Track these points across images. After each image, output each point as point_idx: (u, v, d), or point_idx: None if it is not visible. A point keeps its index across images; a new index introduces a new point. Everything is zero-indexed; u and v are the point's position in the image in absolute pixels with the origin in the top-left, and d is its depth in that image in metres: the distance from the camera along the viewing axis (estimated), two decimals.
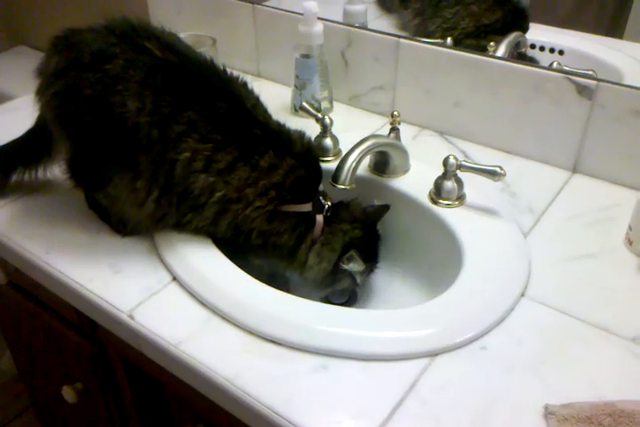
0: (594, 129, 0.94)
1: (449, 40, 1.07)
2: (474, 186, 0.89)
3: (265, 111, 0.82)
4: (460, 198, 0.88)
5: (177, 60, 0.77)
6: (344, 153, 0.84)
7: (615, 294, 0.76)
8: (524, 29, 1.04)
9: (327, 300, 0.94)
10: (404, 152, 0.93)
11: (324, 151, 0.99)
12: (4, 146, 0.93)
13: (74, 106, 0.75)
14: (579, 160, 0.98)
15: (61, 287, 0.81)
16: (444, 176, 0.87)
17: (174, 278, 0.79)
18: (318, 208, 0.83)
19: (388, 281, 0.95)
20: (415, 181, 0.93)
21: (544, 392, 0.64)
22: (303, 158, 0.81)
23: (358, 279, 0.85)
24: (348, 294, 0.94)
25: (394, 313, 0.74)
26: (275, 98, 1.10)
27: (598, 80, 0.90)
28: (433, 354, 0.68)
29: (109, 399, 1.03)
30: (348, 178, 0.82)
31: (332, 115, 1.02)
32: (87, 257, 0.83)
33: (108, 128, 0.74)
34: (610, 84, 0.90)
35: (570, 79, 0.92)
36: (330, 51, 1.12)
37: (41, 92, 0.79)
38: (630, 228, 0.82)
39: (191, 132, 0.75)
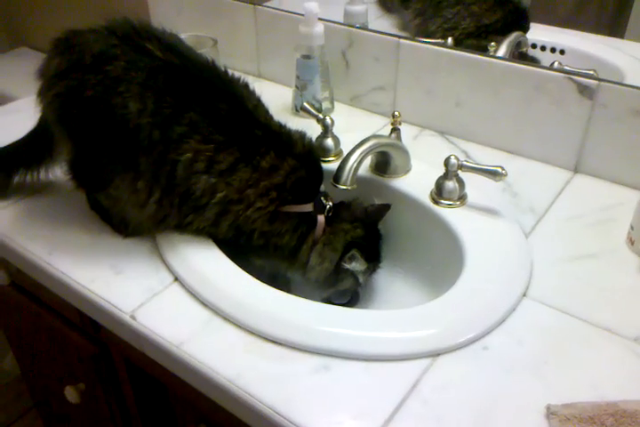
0: (595, 129, 0.94)
1: (450, 40, 1.07)
2: (475, 186, 0.89)
3: (266, 112, 0.82)
4: (462, 198, 0.88)
5: (178, 61, 0.77)
6: (345, 153, 0.84)
7: (617, 294, 0.76)
8: (525, 29, 1.04)
9: (329, 300, 0.94)
10: (405, 152, 0.93)
11: (326, 152, 0.99)
12: (5, 147, 0.93)
13: (75, 107, 0.76)
14: (580, 160, 0.98)
15: (63, 288, 0.82)
16: (446, 176, 0.87)
17: (176, 279, 0.79)
18: (319, 208, 0.83)
19: (389, 281, 0.95)
20: (416, 182, 0.93)
21: (546, 392, 0.64)
22: (304, 159, 0.81)
23: (361, 279, 0.85)
24: (349, 295, 0.95)
25: (395, 313, 0.74)
26: (276, 98, 1.10)
27: (599, 80, 0.90)
28: (435, 354, 0.68)
29: (112, 400, 1.03)
30: (350, 178, 0.82)
31: (333, 115, 1.02)
32: (89, 258, 0.83)
33: (110, 129, 0.75)
34: (611, 84, 0.90)
35: (571, 79, 0.92)
36: (331, 51, 1.12)
37: (42, 94, 0.80)
38: (632, 227, 0.82)
39: (193, 133, 0.75)
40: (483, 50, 1.03)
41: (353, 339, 0.69)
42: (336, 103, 1.18)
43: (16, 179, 0.94)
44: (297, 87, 1.13)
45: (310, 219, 0.82)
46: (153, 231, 0.84)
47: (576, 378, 0.66)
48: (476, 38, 1.06)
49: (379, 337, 0.70)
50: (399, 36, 1.07)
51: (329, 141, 0.99)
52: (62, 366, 1.11)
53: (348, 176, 0.82)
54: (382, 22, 1.18)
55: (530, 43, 1.03)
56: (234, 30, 1.28)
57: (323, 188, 0.85)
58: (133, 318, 0.74)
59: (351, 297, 0.94)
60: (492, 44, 1.03)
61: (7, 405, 1.77)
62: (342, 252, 0.83)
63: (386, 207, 0.88)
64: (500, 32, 1.04)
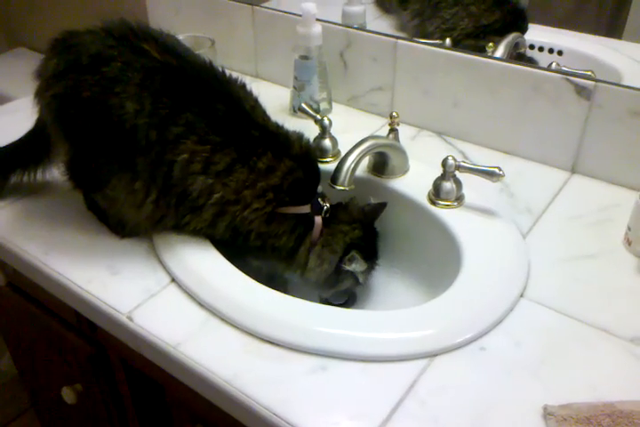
0: (592, 129, 0.94)
1: (448, 41, 1.07)
2: (473, 186, 0.89)
3: (264, 113, 0.82)
4: (459, 199, 0.88)
5: (175, 62, 0.77)
6: (343, 154, 0.84)
7: (614, 295, 0.76)
8: (523, 30, 1.04)
9: (326, 301, 0.94)
10: (402, 153, 0.93)
11: (323, 152, 0.99)
12: (3, 148, 0.93)
13: (72, 108, 0.76)
14: (577, 160, 0.98)
15: (60, 289, 0.81)
16: (443, 177, 0.87)
17: (173, 280, 0.79)
18: (317, 210, 0.83)
19: (386, 282, 0.95)
20: (414, 182, 0.93)
21: (543, 393, 0.64)
22: (301, 160, 0.81)
23: (360, 279, 0.85)
24: (347, 295, 0.95)
25: (392, 314, 0.74)
26: (273, 99, 1.10)
27: (597, 81, 0.90)
28: (432, 355, 0.68)
29: (109, 401, 1.03)
30: (347, 179, 0.82)
31: (330, 116, 1.02)
32: (86, 258, 0.83)
33: (107, 130, 0.75)
34: (608, 85, 0.90)
35: (568, 80, 0.92)
36: (328, 52, 1.12)
37: (40, 95, 0.80)
38: (629, 228, 0.82)
39: (189, 134, 0.75)
40: (480, 50, 1.03)
41: (350, 340, 0.69)
42: (334, 104, 1.18)
43: (13, 179, 0.94)
44: (295, 88, 1.13)
45: (308, 220, 0.82)
46: (150, 232, 0.84)
47: (573, 379, 0.66)
48: (474, 39, 1.06)
49: (376, 338, 0.70)
50: (397, 37, 1.07)
51: (327, 142, 0.99)
52: (59, 367, 1.11)
53: (345, 177, 0.82)
54: (380, 23, 1.18)
55: (528, 43, 1.04)
56: (232, 31, 1.28)
57: (320, 189, 0.85)
58: (130, 318, 0.74)
59: (348, 298, 0.94)
60: (490, 44, 1.03)
61: (4, 405, 1.76)
62: (342, 253, 0.83)
63: (382, 206, 0.88)
64: (498, 33, 1.04)
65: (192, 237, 0.82)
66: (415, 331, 0.70)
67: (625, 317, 0.73)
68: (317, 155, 0.95)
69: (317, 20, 1.07)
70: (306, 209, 0.82)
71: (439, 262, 0.88)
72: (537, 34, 1.03)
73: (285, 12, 1.18)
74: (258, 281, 0.77)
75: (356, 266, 0.82)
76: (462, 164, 0.86)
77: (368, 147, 0.84)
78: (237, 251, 0.83)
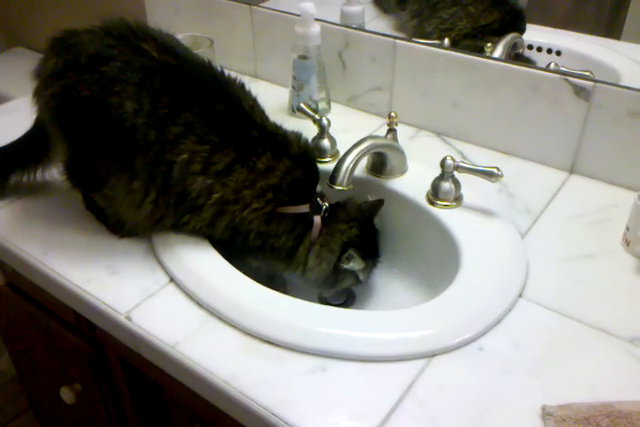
0: (591, 130, 0.94)
1: (446, 41, 1.07)
2: (471, 187, 0.89)
3: (262, 113, 0.82)
4: (458, 199, 0.88)
5: (174, 61, 0.77)
6: (341, 154, 0.84)
7: (613, 295, 0.76)
8: (522, 30, 1.04)
9: (325, 301, 0.94)
10: (401, 153, 0.93)
11: (322, 152, 0.99)
12: (2, 148, 0.93)
13: (71, 107, 0.76)
14: (576, 161, 0.98)
15: (59, 289, 0.81)
16: (442, 177, 0.87)
17: (171, 280, 0.79)
18: (316, 209, 0.83)
19: (385, 282, 0.95)
20: (412, 182, 0.93)
21: (542, 393, 0.64)
22: (300, 160, 0.81)
23: (361, 277, 0.85)
24: (346, 295, 0.95)
25: (391, 314, 0.74)
26: (272, 99, 1.10)
27: (595, 81, 0.90)
28: (430, 355, 0.68)
29: (108, 400, 1.03)
30: (346, 179, 0.82)
31: (329, 116, 1.02)
32: (85, 258, 0.83)
33: (106, 129, 0.74)
34: (607, 85, 0.90)
35: (567, 80, 0.92)
36: (327, 52, 1.12)
37: (39, 94, 0.80)
38: (628, 229, 0.83)
39: (189, 134, 0.75)
40: (479, 51, 1.03)
41: (349, 340, 0.69)
42: (332, 104, 1.18)
43: (12, 179, 0.94)
44: (293, 88, 1.13)
45: (307, 220, 0.82)
46: (149, 232, 0.84)
47: (572, 379, 0.66)
48: (472, 39, 1.06)
49: (375, 338, 0.70)
50: (395, 37, 1.07)
51: (325, 142, 0.99)
52: (58, 367, 1.11)
53: (344, 177, 0.82)
54: (379, 23, 1.18)
55: (526, 44, 1.04)
56: (230, 31, 1.28)
57: (319, 188, 0.85)
58: (129, 318, 0.74)
59: (347, 298, 0.94)
60: (489, 45, 1.03)
61: (3, 405, 1.76)
62: (340, 252, 0.83)
63: (379, 203, 0.88)
64: (497, 33, 1.04)
65: (191, 237, 0.82)
66: (414, 331, 0.70)
67: (624, 317, 0.73)
68: (316, 154, 0.95)
69: (316, 19, 1.07)
70: (305, 209, 0.82)
71: (438, 263, 0.88)
72: (535, 34, 1.03)
73: (284, 12, 1.18)
74: (257, 281, 0.77)
75: (354, 264, 0.82)
76: (461, 164, 0.86)
77: (367, 147, 0.84)
78: (236, 251, 0.83)
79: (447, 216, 0.87)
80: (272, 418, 0.63)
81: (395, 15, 1.17)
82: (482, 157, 1.02)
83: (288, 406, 0.63)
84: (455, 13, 1.07)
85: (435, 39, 1.07)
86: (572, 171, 0.99)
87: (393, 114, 0.94)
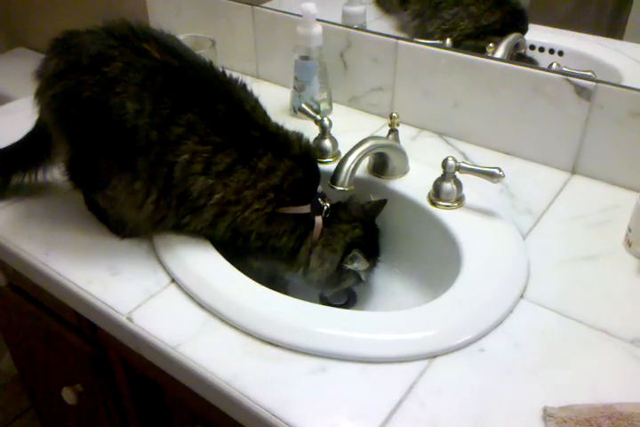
0: (593, 130, 0.94)
1: (448, 41, 1.07)
2: (473, 187, 0.89)
3: (264, 113, 0.82)
4: (459, 200, 0.88)
5: (176, 62, 0.77)
6: (343, 154, 0.84)
7: (614, 296, 0.76)
8: (524, 30, 1.04)
9: (326, 301, 0.94)
10: (402, 153, 0.93)
11: (323, 153, 0.99)
12: (4, 149, 0.93)
13: (73, 108, 0.76)
14: (578, 161, 0.98)
15: (60, 289, 0.81)
16: (443, 178, 0.87)
17: (173, 281, 0.79)
18: (317, 210, 0.83)
19: (386, 282, 0.95)
20: (414, 183, 0.93)
21: (543, 394, 0.64)
22: (301, 160, 0.81)
23: (363, 276, 0.85)
24: (347, 295, 0.95)
25: (392, 315, 0.74)
26: (274, 99, 1.10)
27: (597, 81, 0.90)
28: (431, 356, 0.68)
29: (109, 401, 1.03)
30: (347, 179, 0.82)
31: (331, 116, 1.02)
32: (86, 259, 0.83)
33: (107, 130, 0.75)
34: (609, 86, 0.90)
35: (569, 80, 0.92)
36: (329, 52, 1.12)
37: (40, 95, 0.80)
38: (629, 229, 0.82)
39: (190, 135, 0.75)
40: (481, 51, 1.03)
41: (350, 341, 0.69)
42: (334, 104, 1.18)
43: (14, 180, 0.94)
44: (295, 88, 1.13)
45: (308, 220, 0.82)
46: (150, 232, 0.84)
47: (573, 380, 0.66)
48: (474, 39, 1.06)
49: (375, 339, 0.70)
50: (397, 38, 1.07)
51: (327, 142, 0.99)
52: (59, 367, 1.11)
53: (345, 177, 0.82)
54: (381, 23, 1.18)
55: (528, 44, 1.03)
56: (232, 31, 1.28)
57: (320, 189, 0.85)
58: (130, 319, 0.74)
59: (348, 298, 0.94)
60: (491, 45, 1.03)
61: (5, 406, 1.76)
62: (343, 253, 0.83)
63: (382, 203, 0.88)
64: (499, 33, 1.04)
65: (192, 238, 0.82)
66: (415, 332, 0.70)
67: (625, 318, 0.73)
68: (317, 155, 0.95)
69: (318, 20, 1.07)
70: (306, 209, 0.82)
71: (439, 263, 0.88)
72: (537, 34, 1.03)
73: (286, 13, 1.18)
74: (258, 282, 0.77)
75: (358, 265, 0.82)
76: (462, 164, 0.86)
77: (368, 147, 0.84)
78: (238, 251, 0.83)
79: (449, 217, 0.86)
80: (273, 419, 0.63)
81: (396, 15, 1.17)
82: (483, 157, 1.02)
83: (289, 407, 0.63)
84: (457, 13, 1.07)
85: (436, 39, 1.07)
86: (573, 171, 0.99)
87: (394, 114, 0.94)
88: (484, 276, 0.77)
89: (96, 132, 0.76)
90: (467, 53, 1.01)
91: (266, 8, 1.21)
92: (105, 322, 0.78)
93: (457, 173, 0.87)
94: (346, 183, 0.82)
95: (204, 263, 0.80)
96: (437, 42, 1.06)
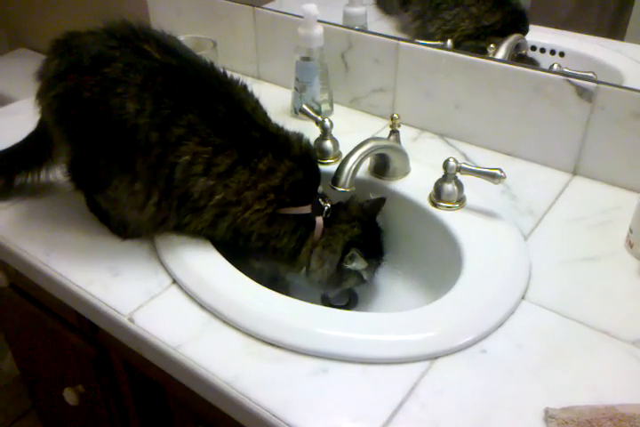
0: (594, 131, 0.94)
1: (449, 42, 1.07)
2: (474, 188, 0.89)
3: (264, 114, 0.82)
4: (461, 201, 0.88)
5: (177, 63, 0.77)
6: (344, 155, 0.84)
7: (616, 297, 0.76)
8: (525, 31, 1.03)
9: (328, 302, 0.94)
10: (403, 155, 0.93)
11: (324, 154, 0.99)
12: (6, 150, 0.93)
13: (74, 109, 0.76)
14: (579, 162, 0.98)
15: (61, 290, 0.82)
16: (444, 179, 0.87)
17: (174, 281, 0.79)
18: (318, 210, 0.83)
19: (388, 283, 0.95)
20: (415, 184, 0.93)
21: (544, 396, 0.64)
22: (301, 161, 0.81)
23: (365, 276, 0.85)
24: (349, 296, 0.95)
25: (394, 316, 0.74)
26: (275, 100, 1.10)
27: (598, 82, 0.90)
28: (433, 357, 0.68)
29: (111, 402, 1.03)
30: (348, 180, 0.82)
31: (332, 117, 1.02)
32: (87, 260, 0.83)
33: (108, 130, 0.75)
34: (610, 87, 0.90)
35: (570, 81, 0.92)
36: (330, 53, 1.12)
37: (41, 95, 0.80)
38: (631, 230, 0.82)
39: (191, 136, 0.75)
40: (482, 52, 1.03)
41: (351, 342, 0.69)
42: (335, 105, 1.18)
43: (17, 181, 0.94)
44: (296, 89, 1.13)
45: (309, 221, 0.82)
46: (151, 233, 0.84)
47: (574, 381, 0.66)
48: (475, 40, 1.06)
49: (377, 340, 0.70)
50: (398, 39, 1.07)
51: (328, 144, 0.99)
52: (61, 368, 1.11)
53: (346, 178, 0.82)
54: (381, 24, 1.18)
55: (529, 45, 1.03)
56: (233, 32, 1.28)
57: (321, 189, 0.85)
58: (131, 320, 0.74)
59: (350, 299, 0.94)
60: (492, 46, 1.03)
61: (6, 406, 1.76)
62: (342, 252, 0.83)
63: (381, 201, 0.87)
64: (500, 34, 1.04)
65: (193, 239, 0.82)
66: (416, 333, 0.70)
67: (627, 319, 0.73)
68: (317, 155, 0.95)
69: (319, 21, 1.07)
70: (307, 210, 0.82)
71: (440, 264, 0.88)
72: (539, 35, 1.03)
73: (287, 14, 1.18)
74: (259, 283, 0.77)
75: (357, 264, 0.82)
76: (464, 165, 0.86)
77: (369, 148, 0.84)
78: (239, 252, 0.83)
79: (450, 218, 0.86)
80: (274, 420, 0.63)
81: (397, 16, 1.17)
82: (484, 158, 1.02)
83: (290, 408, 0.63)
84: (458, 14, 1.07)
85: (437, 40, 1.07)
86: (574, 172, 0.99)
87: (395, 115, 0.94)
88: (485, 277, 0.77)
89: (97, 133, 0.76)
90: (468, 54, 1.01)
91: (267, 9, 1.21)
92: (106, 323, 0.78)
93: (458, 174, 0.87)
94: (347, 184, 0.82)
95: (205, 264, 0.80)
96: (438, 43, 1.06)
